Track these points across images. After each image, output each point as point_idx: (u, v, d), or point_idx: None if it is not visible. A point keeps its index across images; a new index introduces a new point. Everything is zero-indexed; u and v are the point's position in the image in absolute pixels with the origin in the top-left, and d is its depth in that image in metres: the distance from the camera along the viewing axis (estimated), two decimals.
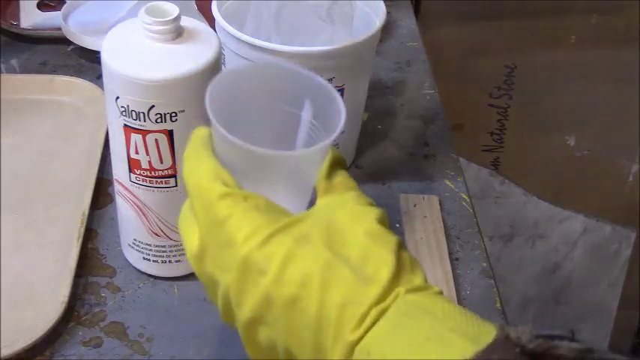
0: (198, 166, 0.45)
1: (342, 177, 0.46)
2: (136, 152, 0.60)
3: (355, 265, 0.41)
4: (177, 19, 0.58)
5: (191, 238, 0.46)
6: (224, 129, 0.43)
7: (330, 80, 0.71)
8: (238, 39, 0.69)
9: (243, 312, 0.43)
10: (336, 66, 0.70)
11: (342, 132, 0.45)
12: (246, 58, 0.70)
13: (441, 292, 0.42)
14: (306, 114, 0.48)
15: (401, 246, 0.42)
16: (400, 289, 0.40)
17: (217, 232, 0.43)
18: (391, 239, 0.42)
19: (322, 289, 0.40)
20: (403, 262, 0.42)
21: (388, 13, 0.76)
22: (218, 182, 0.43)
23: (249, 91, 0.48)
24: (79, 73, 0.89)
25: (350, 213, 0.44)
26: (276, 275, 0.41)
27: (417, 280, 0.42)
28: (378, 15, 0.74)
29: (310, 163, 0.46)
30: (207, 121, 0.45)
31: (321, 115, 0.47)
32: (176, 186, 0.62)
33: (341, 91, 0.72)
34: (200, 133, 0.47)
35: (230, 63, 0.72)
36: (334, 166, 0.46)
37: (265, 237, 0.41)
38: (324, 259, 0.41)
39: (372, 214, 0.44)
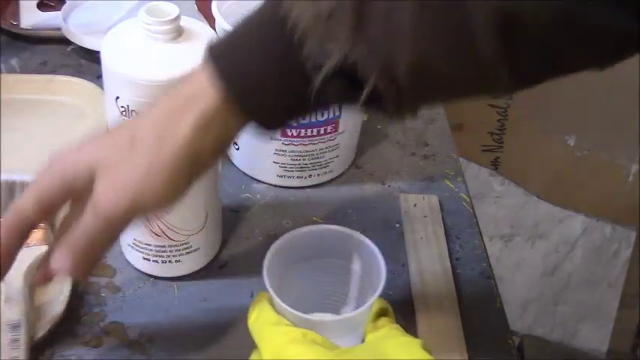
0: (262, 316, 0.53)
1: (385, 320, 0.54)
2: None
3: None
4: (177, 19, 0.59)
5: None
6: (279, 294, 0.54)
7: None
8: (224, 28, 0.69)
9: None
10: None
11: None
12: None
13: None
14: (357, 268, 0.59)
15: None
16: None
17: None
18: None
19: None
20: None
21: None
22: (280, 325, 0.52)
23: (304, 251, 0.58)
24: (79, 73, 0.89)
25: (398, 343, 0.51)
26: None
27: None
28: None
29: (360, 318, 0.55)
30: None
31: (366, 270, 0.58)
32: None
33: None
34: (262, 296, 0.55)
35: None
36: (380, 311, 0.54)
37: None
38: None
39: (418, 343, 0.51)
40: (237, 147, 0.78)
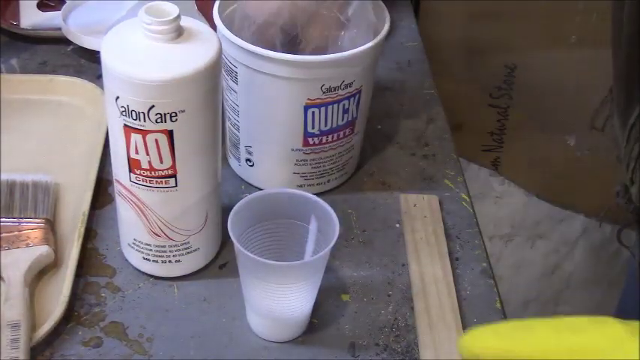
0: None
1: None
2: (136, 152, 0.60)
3: None
4: (177, 19, 0.59)
5: None
6: (246, 248, 0.59)
7: (349, 84, 0.70)
8: (239, 46, 0.69)
9: None
10: (356, 70, 0.70)
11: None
12: (248, 66, 0.69)
13: None
14: (313, 227, 0.63)
15: None
16: None
17: None
18: None
19: None
20: None
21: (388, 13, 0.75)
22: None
23: (266, 212, 0.63)
24: (79, 73, 0.89)
25: None
26: None
27: None
28: (379, 16, 0.74)
29: (319, 265, 0.61)
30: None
31: (322, 228, 0.62)
32: (176, 186, 0.62)
33: (359, 93, 0.72)
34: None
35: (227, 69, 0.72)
36: None
37: None
38: None
39: None
40: (250, 164, 0.77)
